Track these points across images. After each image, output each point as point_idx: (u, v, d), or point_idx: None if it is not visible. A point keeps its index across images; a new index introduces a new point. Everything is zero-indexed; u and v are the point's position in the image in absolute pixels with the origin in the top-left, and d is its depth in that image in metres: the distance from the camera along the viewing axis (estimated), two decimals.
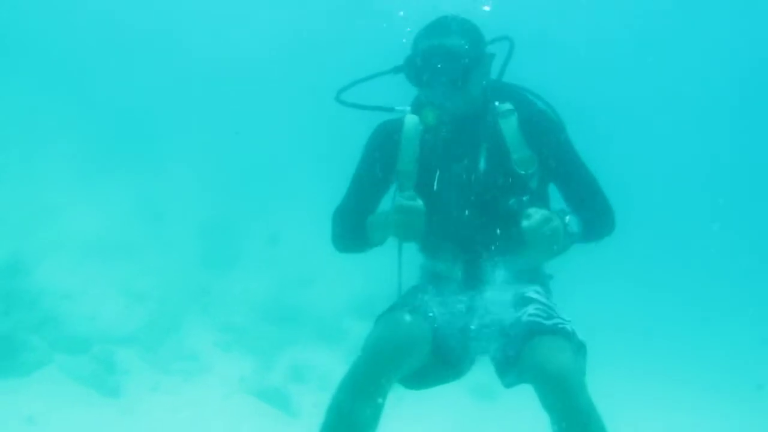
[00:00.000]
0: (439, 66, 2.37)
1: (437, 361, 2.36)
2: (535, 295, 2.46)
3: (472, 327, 2.40)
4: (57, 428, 4.21)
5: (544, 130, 2.48)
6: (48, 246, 8.01)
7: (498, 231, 2.44)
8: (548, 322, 2.30)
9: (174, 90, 18.41)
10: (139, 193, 11.64)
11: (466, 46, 2.40)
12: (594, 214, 2.46)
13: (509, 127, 2.48)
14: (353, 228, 2.48)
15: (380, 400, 2.18)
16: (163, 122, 15.76)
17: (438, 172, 2.46)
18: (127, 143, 13.71)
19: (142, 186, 12.03)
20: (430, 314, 2.37)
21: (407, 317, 2.32)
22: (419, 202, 2.24)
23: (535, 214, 2.20)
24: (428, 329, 2.32)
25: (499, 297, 2.46)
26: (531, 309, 2.37)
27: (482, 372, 2.64)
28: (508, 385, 2.44)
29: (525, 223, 2.20)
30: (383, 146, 2.56)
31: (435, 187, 2.46)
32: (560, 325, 2.30)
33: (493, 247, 2.48)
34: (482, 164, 2.44)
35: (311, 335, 7.66)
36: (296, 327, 7.93)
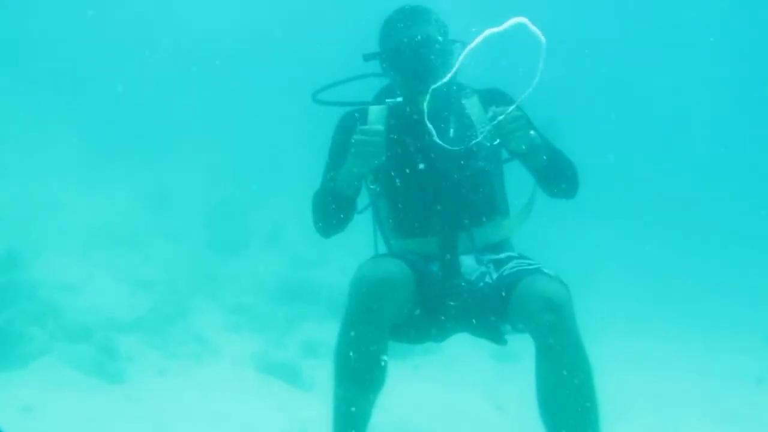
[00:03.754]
0: (421, 55, 2.55)
1: (420, 316, 2.47)
2: (512, 254, 2.63)
3: (451, 302, 2.49)
4: (55, 416, 3.99)
5: (500, 102, 2.55)
6: (50, 236, 7.86)
7: (468, 203, 2.60)
8: (531, 267, 2.45)
9: (178, 76, 18.29)
10: (144, 179, 11.48)
11: (444, 35, 2.63)
12: (555, 166, 2.61)
13: (472, 105, 2.71)
14: (329, 199, 2.57)
15: (381, 341, 2.30)
16: (167, 107, 15.63)
17: (408, 150, 2.60)
18: (131, 129, 13.61)
19: (147, 172, 11.87)
20: (416, 265, 2.46)
21: (388, 258, 2.47)
22: (380, 126, 2.40)
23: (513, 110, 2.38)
24: (411, 273, 2.39)
25: (475, 266, 2.58)
26: (512, 263, 2.52)
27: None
28: (502, 341, 2.58)
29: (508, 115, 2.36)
30: (352, 128, 2.57)
31: (406, 164, 2.59)
32: (542, 268, 2.45)
33: (465, 220, 2.61)
34: (451, 138, 2.55)
35: (322, 312, 7.43)
36: (307, 305, 7.71)
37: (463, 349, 6.70)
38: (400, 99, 2.62)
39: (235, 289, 8.11)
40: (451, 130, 2.60)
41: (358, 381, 2.35)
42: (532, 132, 2.45)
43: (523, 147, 2.44)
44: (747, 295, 11.16)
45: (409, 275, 2.40)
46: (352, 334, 2.30)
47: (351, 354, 2.31)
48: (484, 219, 2.66)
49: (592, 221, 13.79)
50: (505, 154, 2.79)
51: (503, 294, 2.41)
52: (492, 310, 2.46)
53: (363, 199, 2.80)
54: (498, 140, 2.46)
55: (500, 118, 2.39)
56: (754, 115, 21.62)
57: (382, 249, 2.87)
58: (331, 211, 2.60)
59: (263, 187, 12.46)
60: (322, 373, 5.52)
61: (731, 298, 11.20)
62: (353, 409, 2.39)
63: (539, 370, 2.28)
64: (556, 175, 2.68)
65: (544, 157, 2.54)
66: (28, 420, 3.96)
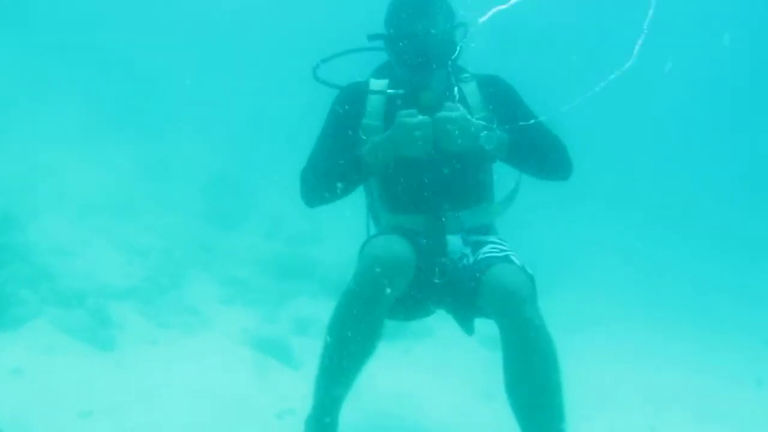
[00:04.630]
0: (426, 50, 2.58)
1: (411, 291, 2.52)
2: (489, 239, 2.73)
3: (436, 279, 2.59)
4: (44, 379, 4.00)
5: (499, 90, 2.76)
6: (48, 200, 7.86)
7: (459, 186, 2.70)
8: (500, 255, 2.57)
9: (178, 47, 18.22)
10: (145, 148, 11.46)
11: (448, 29, 2.64)
12: (546, 149, 2.67)
13: (470, 90, 2.75)
14: (326, 177, 2.64)
15: (380, 316, 2.40)
16: (167, 78, 15.56)
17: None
18: (130, 100, 13.58)
19: (149, 141, 11.86)
20: (413, 241, 2.56)
21: (398, 237, 2.51)
22: (423, 118, 2.43)
23: (456, 108, 2.46)
24: (413, 252, 2.49)
25: (461, 246, 2.68)
26: (486, 248, 2.65)
27: (492, 325, 2.61)
28: (469, 329, 2.73)
29: (446, 113, 2.42)
30: (350, 104, 2.75)
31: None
32: (510, 257, 2.57)
33: (454, 202, 2.71)
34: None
35: (317, 289, 7.44)
36: (301, 281, 7.72)
37: (454, 334, 6.73)
38: (401, 91, 2.67)
39: (230, 261, 8.12)
40: None
41: (351, 350, 2.46)
42: (484, 133, 2.48)
43: (456, 147, 2.47)
44: (747, 295, 11.22)
45: (414, 257, 2.49)
46: (355, 310, 2.39)
47: (348, 330, 2.40)
48: (472, 202, 2.75)
49: (587, 212, 13.80)
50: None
51: (474, 280, 2.50)
52: (466, 292, 2.56)
53: None
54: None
55: (439, 114, 2.45)
56: (752, 110, 21.53)
57: (372, 225, 2.97)
58: (329, 193, 2.65)
59: (263, 161, 12.45)
60: (313, 352, 5.54)
61: (731, 299, 11.26)
62: (340, 377, 2.55)
63: (504, 361, 2.40)
64: (535, 165, 2.72)
65: (498, 155, 2.59)
66: (18, 382, 3.96)
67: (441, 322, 7.03)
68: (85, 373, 4.25)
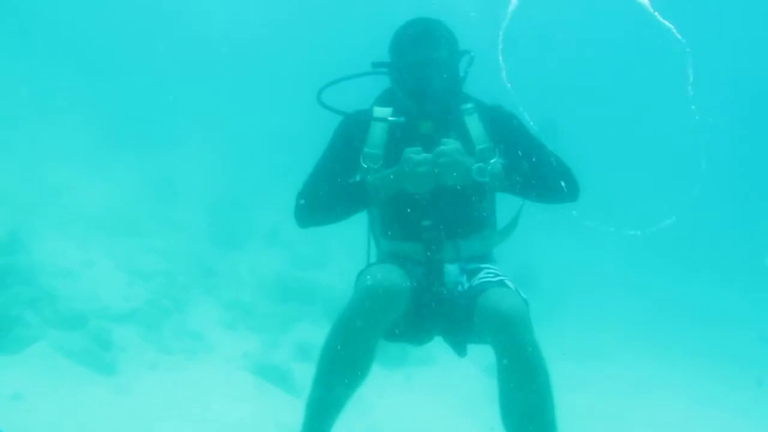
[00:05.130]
0: (428, 79, 2.62)
1: (409, 318, 2.54)
2: (484, 265, 2.70)
3: (433, 305, 2.58)
4: (44, 405, 3.99)
5: (502, 120, 2.75)
6: (52, 220, 7.87)
7: (458, 215, 2.69)
8: (495, 280, 2.55)
9: (186, 68, 18.36)
10: (148, 170, 11.50)
11: (450, 59, 2.68)
12: (548, 175, 2.66)
13: (473, 122, 2.73)
14: (326, 201, 2.67)
15: (372, 346, 2.41)
16: (174, 100, 15.67)
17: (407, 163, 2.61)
18: (137, 121, 13.66)
19: (152, 164, 11.90)
20: (410, 271, 2.57)
21: (395, 268, 2.50)
22: (427, 155, 2.47)
23: (451, 144, 2.51)
24: (408, 282, 2.49)
25: (458, 275, 2.67)
26: (481, 274, 2.63)
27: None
28: (462, 351, 2.68)
29: (441, 147, 2.48)
30: (353, 132, 2.75)
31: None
32: (505, 281, 2.55)
33: (452, 231, 2.69)
34: None
35: (319, 313, 7.41)
36: (304, 305, 7.69)
37: (455, 361, 6.70)
38: (402, 119, 2.70)
39: (233, 284, 8.10)
40: None
41: (341, 377, 2.45)
42: (477, 166, 2.55)
43: (451, 180, 2.53)
44: (747, 295, 11.18)
45: (407, 285, 2.49)
46: (346, 339, 2.40)
47: (338, 358, 2.42)
48: (471, 231, 2.75)
49: (594, 243, 13.80)
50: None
51: (469, 305, 2.51)
52: (460, 318, 2.56)
53: None
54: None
55: (439, 148, 2.50)
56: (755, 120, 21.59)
57: (374, 249, 2.97)
58: (338, 208, 2.69)
59: (267, 184, 12.48)
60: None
61: (731, 299, 11.20)
62: (329, 400, 2.51)
63: (499, 383, 2.37)
64: (537, 192, 2.71)
65: (499, 183, 2.63)
66: (18, 407, 3.95)
67: (442, 350, 7.04)
68: (86, 399, 4.24)
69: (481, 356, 2.97)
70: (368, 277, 2.48)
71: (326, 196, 2.70)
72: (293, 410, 4.53)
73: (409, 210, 2.70)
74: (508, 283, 2.58)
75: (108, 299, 6.27)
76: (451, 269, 2.71)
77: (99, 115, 12.94)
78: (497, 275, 2.62)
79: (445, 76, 2.67)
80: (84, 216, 8.64)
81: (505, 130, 2.78)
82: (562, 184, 2.72)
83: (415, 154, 2.51)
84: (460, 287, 2.66)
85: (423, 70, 2.64)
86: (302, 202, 2.75)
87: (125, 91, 14.97)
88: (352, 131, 2.78)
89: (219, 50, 18.85)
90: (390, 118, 2.74)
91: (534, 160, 2.69)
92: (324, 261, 9.56)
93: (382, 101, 2.90)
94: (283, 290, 7.94)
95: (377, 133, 2.75)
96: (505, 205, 3.03)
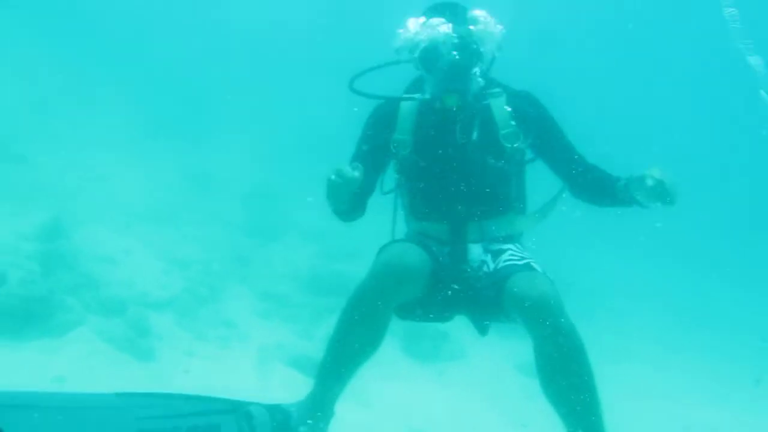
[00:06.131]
0: (452, 56, 2.66)
1: (428, 296, 2.60)
2: (508, 247, 2.74)
3: (455, 285, 2.63)
4: (84, 388, 4.08)
5: (529, 106, 2.79)
6: (94, 208, 8.04)
7: (484, 196, 2.73)
8: (521, 263, 2.60)
9: (226, 60, 18.51)
10: (187, 161, 11.66)
11: (472, 36, 2.70)
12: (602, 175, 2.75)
13: (498, 106, 2.76)
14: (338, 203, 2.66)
15: (383, 319, 2.51)
16: (213, 92, 15.85)
17: (432, 144, 2.73)
18: (176, 112, 13.85)
19: (190, 154, 12.06)
20: (431, 249, 2.64)
21: (414, 246, 2.58)
22: (356, 173, 2.41)
23: (658, 172, 2.44)
24: (429, 261, 2.56)
25: (482, 255, 2.72)
26: (506, 256, 2.67)
27: (529, 349, 2.59)
28: (484, 330, 2.80)
29: (658, 174, 2.43)
30: (382, 120, 2.83)
31: (429, 155, 2.73)
32: (531, 263, 2.60)
33: (477, 212, 2.75)
34: (474, 137, 2.71)
35: None
36: (338, 298, 7.71)
37: (488, 357, 6.68)
38: (427, 96, 2.75)
39: (268, 275, 8.18)
40: (475, 131, 2.73)
41: (351, 348, 2.58)
42: (506, 131, 2.70)
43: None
44: (747, 295, 11.00)
45: (427, 264, 2.56)
46: (359, 312, 2.50)
47: (353, 324, 2.53)
48: (495, 213, 2.79)
49: (630, 250, 13.63)
50: (528, 154, 2.87)
51: (496, 287, 2.55)
52: (487, 299, 2.61)
53: (389, 183, 2.97)
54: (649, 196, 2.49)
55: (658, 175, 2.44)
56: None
57: (400, 228, 3.02)
58: (351, 212, 2.81)
59: (304, 175, 12.55)
60: None
61: (731, 299, 11.03)
62: (339, 369, 2.64)
63: (539, 365, 2.45)
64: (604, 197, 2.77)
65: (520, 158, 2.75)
66: (59, 390, 4.06)
67: (475, 345, 7.03)
68: (124, 384, 4.31)
69: (514, 353, 2.98)
70: (385, 253, 2.57)
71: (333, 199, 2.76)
72: None
73: (434, 190, 2.77)
74: (535, 265, 2.61)
75: (146, 286, 6.40)
76: (475, 249, 2.75)
77: (140, 105, 13.17)
78: (522, 257, 2.66)
79: (467, 54, 2.70)
80: (123, 204, 8.82)
81: (532, 115, 2.81)
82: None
83: (338, 175, 2.42)
84: (485, 268, 2.70)
85: (444, 47, 2.69)
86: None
87: (166, 82, 15.20)
88: (381, 119, 2.86)
89: (259, 42, 19.03)
90: (416, 96, 2.80)
91: (574, 160, 2.80)
92: (357, 253, 9.59)
93: (410, 90, 2.94)
94: (317, 282, 7.99)
95: (406, 118, 2.82)
96: (542, 191, 3.04)
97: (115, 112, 12.41)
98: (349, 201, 2.56)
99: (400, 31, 2.84)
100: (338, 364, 2.64)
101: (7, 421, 2.12)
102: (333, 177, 2.43)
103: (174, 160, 11.51)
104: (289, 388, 4.89)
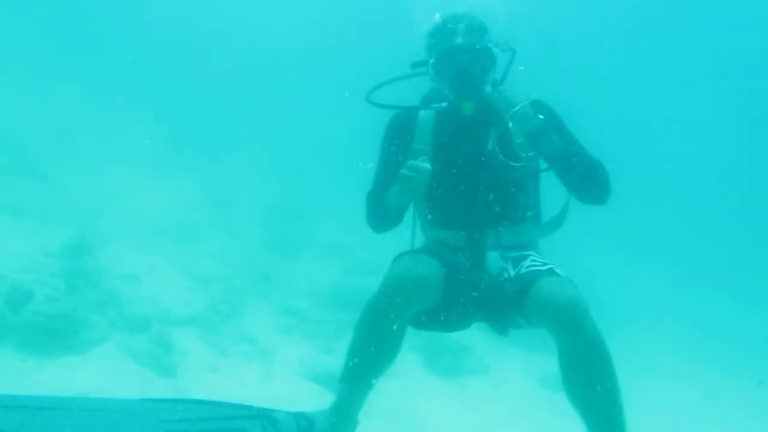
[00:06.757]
0: (466, 64, 2.72)
1: (444, 305, 2.62)
2: (529, 253, 2.77)
3: (474, 293, 2.64)
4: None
5: (541, 113, 2.70)
6: (117, 226, 8.14)
7: (500, 205, 2.77)
8: (544, 269, 2.59)
9: (244, 77, 18.70)
10: (207, 177, 11.78)
11: (488, 46, 2.75)
12: (587, 168, 2.72)
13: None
14: (381, 205, 2.79)
15: (398, 330, 2.51)
16: (233, 108, 16.01)
17: (450, 153, 2.77)
18: (197, 129, 14.00)
19: (211, 170, 12.18)
20: (446, 258, 2.65)
21: (425, 257, 2.61)
22: (427, 164, 2.49)
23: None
24: (442, 271, 2.58)
25: (500, 262, 2.74)
26: (528, 262, 2.68)
27: (552, 363, 2.58)
28: (504, 333, 2.73)
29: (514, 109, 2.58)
30: (401, 131, 2.87)
31: (447, 164, 2.74)
32: (554, 270, 2.59)
33: (494, 220, 2.78)
34: (489, 147, 2.76)
35: None
36: (358, 314, 7.72)
37: (510, 370, 6.62)
38: (444, 104, 2.77)
39: (289, 291, 8.22)
40: (491, 140, 2.77)
41: (369, 360, 2.59)
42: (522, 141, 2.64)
43: (525, 127, 2.61)
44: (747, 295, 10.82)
45: (440, 274, 2.59)
46: (372, 325, 2.51)
47: (369, 338, 2.54)
48: (511, 221, 2.82)
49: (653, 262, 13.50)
50: (542, 164, 2.87)
51: (520, 293, 2.54)
52: (509, 305, 2.60)
53: None
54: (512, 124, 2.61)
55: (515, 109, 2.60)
56: None
57: (419, 237, 3.06)
58: (381, 217, 2.84)
59: (324, 190, 12.62)
60: None
61: (731, 299, 10.85)
62: (359, 381, 2.64)
63: (565, 370, 2.43)
64: (582, 178, 2.77)
65: (554, 144, 2.67)
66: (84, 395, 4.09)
67: (497, 360, 6.97)
68: None
69: (537, 366, 2.95)
70: (396, 265, 2.59)
71: (374, 208, 2.86)
72: None
73: (451, 199, 2.81)
74: (558, 271, 2.61)
75: (169, 304, 6.45)
76: (493, 256, 2.78)
77: (162, 122, 13.35)
78: (545, 263, 2.67)
79: (481, 62, 2.75)
80: (145, 221, 8.92)
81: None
82: (603, 180, 2.79)
83: (416, 161, 2.53)
84: (506, 274, 2.71)
85: (458, 55, 2.74)
86: (366, 211, 2.90)
87: (187, 99, 15.40)
88: (399, 130, 2.90)
89: (280, 58, 19.22)
90: (433, 105, 2.83)
91: (576, 155, 2.77)
92: (378, 267, 9.57)
93: (427, 100, 2.98)
94: (338, 297, 8.00)
95: (423, 127, 2.87)
96: (552, 201, 3.06)
97: (138, 130, 12.59)
98: (414, 199, 2.65)
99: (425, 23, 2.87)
100: (358, 375, 2.65)
101: (32, 423, 2.16)
102: (407, 172, 2.49)
103: (195, 176, 11.63)
104: (310, 403, 4.90)
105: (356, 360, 2.61)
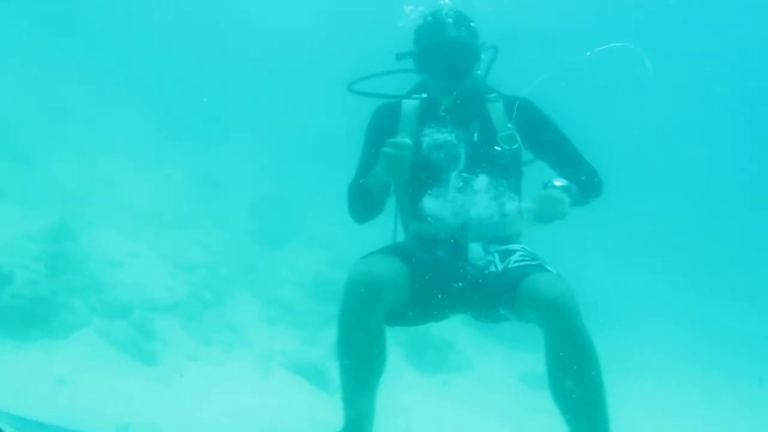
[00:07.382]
0: (449, 57, 2.77)
1: (415, 301, 2.63)
2: (516, 248, 2.78)
3: (457, 284, 2.65)
4: (86, 391, 4.08)
5: (526, 110, 2.86)
6: (102, 211, 8.07)
7: (484, 198, 2.74)
8: (534, 263, 2.62)
9: (234, 66, 18.62)
10: (195, 166, 11.70)
11: (471, 40, 2.82)
12: (585, 178, 2.78)
13: (496, 110, 2.88)
14: (363, 192, 2.79)
15: (374, 332, 2.51)
16: (223, 97, 15.91)
17: (433, 145, 2.76)
18: (186, 117, 13.91)
19: (199, 160, 12.11)
20: (411, 258, 2.65)
21: (387, 257, 2.62)
22: (407, 140, 2.56)
23: (557, 192, 2.59)
24: (405, 270, 2.59)
25: (482, 254, 2.76)
26: (516, 256, 2.69)
27: (535, 360, 2.58)
28: (492, 321, 2.75)
29: (546, 192, 2.59)
30: (384, 123, 2.90)
31: (430, 157, 2.74)
32: (545, 265, 2.62)
33: (479, 212, 2.76)
34: (474, 139, 2.78)
35: None
36: None
37: (492, 367, 6.62)
38: (425, 95, 2.86)
39: (274, 281, 8.18)
40: (475, 133, 2.81)
41: (359, 372, 2.60)
42: (506, 134, 2.73)
43: (552, 216, 2.61)
44: (747, 295, 10.91)
45: (402, 272, 2.59)
46: (348, 334, 2.52)
47: (351, 352, 2.55)
48: (494, 213, 2.79)
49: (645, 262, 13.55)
50: (526, 156, 2.94)
51: (509, 286, 2.56)
52: (497, 298, 2.62)
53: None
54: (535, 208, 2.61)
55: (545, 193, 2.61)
56: None
57: (401, 232, 3.09)
58: (363, 205, 2.86)
59: (312, 182, 12.58)
60: None
61: (731, 298, 10.94)
62: (357, 389, 2.64)
63: (549, 366, 2.45)
64: (583, 202, 2.85)
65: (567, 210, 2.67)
66: (61, 391, 4.05)
67: (480, 356, 6.97)
68: (126, 386, 4.32)
69: (519, 363, 2.94)
70: (355, 269, 2.58)
71: (355, 197, 2.87)
72: (328, 407, 4.56)
73: (437, 194, 2.78)
74: (548, 267, 2.62)
75: (152, 290, 6.40)
76: (475, 247, 2.79)
77: (151, 109, 13.25)
78: (534, 258, 2.68)
79: (464, 56, 2.80)
80: (131, 208, 8.84)
81: (531, 120, 2.90)
82: (596, 187, 2.87)
83: (391, 146, 2.57)
84: (492, 267, 2.71)
85: (442, 48, 2.79)
86: (348, 202, 2.91)
87: (177, 87, 15.29)
88: (383, 122, 2.94)
89: (270, 49, 19.13)
90: (413, 96, 2.90)
91: (569, 161, 2.86)
92: None
93: (411, 93, 3.02)
94: (323, 288, 7.97)
95: (406, 120, 2.89)
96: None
97: (126, 116, 12.49)
98: (399, 177, 2.63)
99: (407, 10, 2.94)
100: (354, 382, 2.65)
101: None
102: (388, 149, 2.54)
103: (183, 164, 11.56)
104: (291, 393, 4.89)
105: (346, 367, 2.60)
